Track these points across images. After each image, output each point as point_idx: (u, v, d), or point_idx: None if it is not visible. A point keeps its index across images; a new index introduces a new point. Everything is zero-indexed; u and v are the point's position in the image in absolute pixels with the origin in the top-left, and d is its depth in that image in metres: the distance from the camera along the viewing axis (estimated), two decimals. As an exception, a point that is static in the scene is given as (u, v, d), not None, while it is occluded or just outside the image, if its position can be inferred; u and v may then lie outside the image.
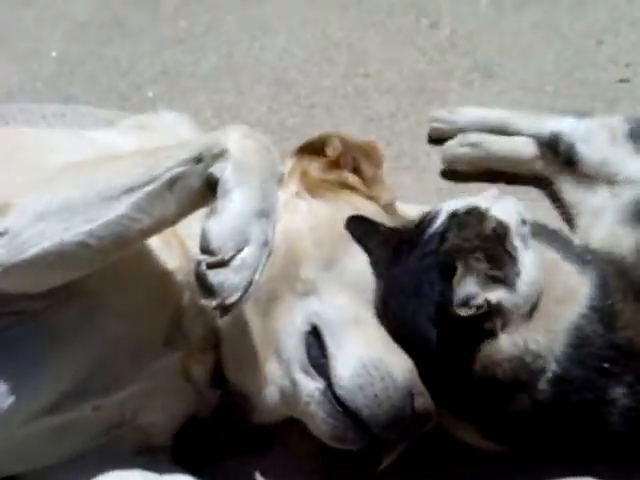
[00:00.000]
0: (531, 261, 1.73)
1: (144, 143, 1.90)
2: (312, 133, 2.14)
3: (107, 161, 1.63)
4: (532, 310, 1.73)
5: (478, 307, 1.65)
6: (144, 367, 1.73)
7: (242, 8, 3.22)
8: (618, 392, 1.74)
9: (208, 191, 1.53)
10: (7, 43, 3.15)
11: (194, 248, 1.52)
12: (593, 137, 2.27)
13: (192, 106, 2.78)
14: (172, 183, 1.53)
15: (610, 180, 2.19)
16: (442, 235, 1.75)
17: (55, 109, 2.71)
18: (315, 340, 1.78)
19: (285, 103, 2.86)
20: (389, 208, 2.00)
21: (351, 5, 3.17)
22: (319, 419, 1.74)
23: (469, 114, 2.61)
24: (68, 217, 1.52)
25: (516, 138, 2.50)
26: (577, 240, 2.03)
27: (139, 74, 3.02)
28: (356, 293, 1.80)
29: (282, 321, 1.80)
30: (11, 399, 1.61)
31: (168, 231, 1.67)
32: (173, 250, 1.75)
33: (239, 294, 1.46)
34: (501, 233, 1.73)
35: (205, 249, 1.47)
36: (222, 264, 1.45)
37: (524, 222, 1.78)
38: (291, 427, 1.83)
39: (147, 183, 1.53)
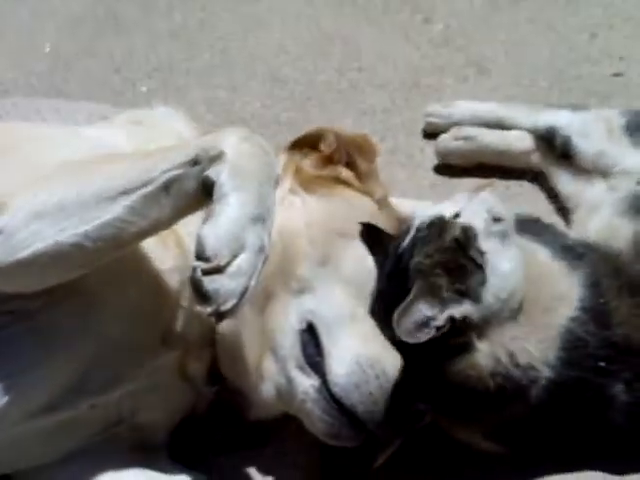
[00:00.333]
0: (508, 262, 1.68)
1: (140, 139, 1.90)
2: (306, 128, 2.14)
3: (103, 162, 1.63)
4: (515, 313, 1.68)
5: (439, 328, 1.61)
6: (141, 366, 1.73)
7: (236, 4, 3.22)
8: (617, 389, 1.73)
9: (204, 194, 1.52)
10: (1, 38, 3.16)
11: (192, 246, 1.50)
12: (589, 130, 2.26)
13: (186, 101, 2.77)
14: (168, 186, 1.52)
15: (606, 173, 2.17)
16: (410, 252, 1.72)
17: (49, 104, 2.69)
18: (311, 338, 1.78)
19: (279, 98, 2.86)
20: (383, 203, 1.99)
21: (345, 1, 3.17)
22: (314, 416, 1.75)
23: (464, 108, 2.60)
24: (63, 218, 1.51)
25: (510, 132, 2.49)
26: (573, 234, 1.99)
27: (133, 69, 3.02)
28: (351, 290, 1.81)
29: (278, 319, 1.80)
30: (7, 398, 1.61)
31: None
32: (169, 249, 1.75)
33: (234, 301, 1.44)
34: (464, 241, 1.67)
35: (200, 255, 1.45)
36: (217, 270, 1.43)
37: (497, 220, 1.71)
38: (287, 423, 1.84)
39: (143, 185, 1.52)
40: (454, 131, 2.55)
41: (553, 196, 2.38)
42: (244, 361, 1.82)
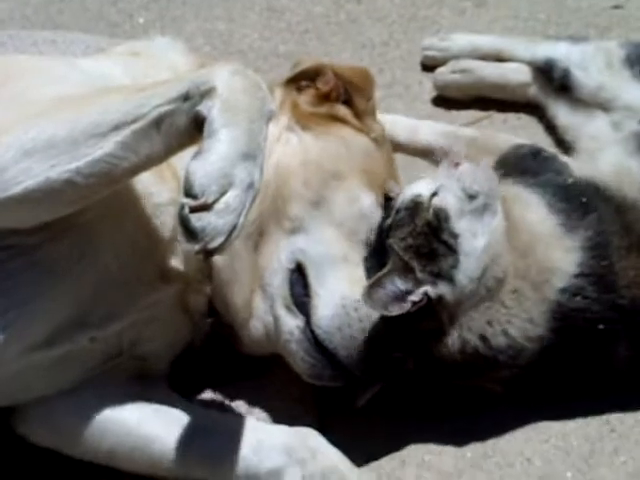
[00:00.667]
0: (481, 240, 1.69)
1: (138, 71, 1.88)
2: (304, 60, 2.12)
3: (95, 96, 1.61)
4: (494, 292, 1.70)
5: (415, 302, 1.64)
6: (140, 300, 1.74)
7: None
8: (619, 347, 1.75)
9: (195, 130, 1.50)
10: (-5, -31, 3.11)
11: None
12: (589, 62, 2.26)
13: (183, 33, 2.77)
14: (159, 121, 1.51)
15: (607, 107, 2.17)
16: (387, 232, 1.74)
17: (45, 36, 2.68)
18: (299, 277, 1.80)
19: (277, 30, 2.84)
20: (380, 141, 1.98)
21: None
22: (298, 357, 1.77)
23: (462, 41, 2.59)
24: (54, 155, 1.49)
25: (508, 64, 2.49)
26: (576, 170, 1.92)
27: (130, 1, 2.99)
28: (343, 233, 1.82)
29: (269, 257, 1.81)
30: (7, 332, 1.61)
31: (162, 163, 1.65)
32: (166, 183, 1.74)
33: (222, 239, 1.41)
34: (435, 225, 1.69)
35: (188, 192, 1.42)
36: (205, 208, 1.41)
37: (472, 197, 1.71)
38: (281, 356, 1.86)
39: (134, 121, 1.51)
40: (452, 64, 2.54)
41: (551, 127, 2.38)
42: (235, 297, 1.83)
